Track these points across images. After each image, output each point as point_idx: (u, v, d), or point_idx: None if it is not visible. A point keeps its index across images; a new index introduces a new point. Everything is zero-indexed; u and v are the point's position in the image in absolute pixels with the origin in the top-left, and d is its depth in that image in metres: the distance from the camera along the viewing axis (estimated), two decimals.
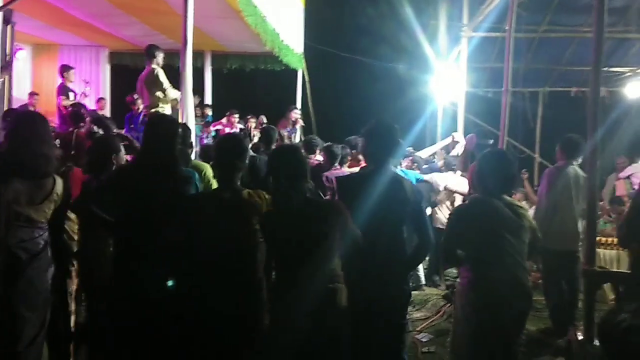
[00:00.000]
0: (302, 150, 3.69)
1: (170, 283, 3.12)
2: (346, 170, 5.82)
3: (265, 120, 10.08)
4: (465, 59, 10.09)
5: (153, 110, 6.76)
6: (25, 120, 3.39)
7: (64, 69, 9.44)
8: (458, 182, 6.76)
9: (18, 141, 3.17)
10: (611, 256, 6.69)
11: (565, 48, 12.05)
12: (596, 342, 2.92)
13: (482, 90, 12.86)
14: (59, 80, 9.52)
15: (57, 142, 5.21)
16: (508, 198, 3.44)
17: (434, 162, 7.88)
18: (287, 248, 2.88)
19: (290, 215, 2.88)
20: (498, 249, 3.31)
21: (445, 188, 6.81)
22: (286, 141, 7.28)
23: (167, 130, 3.34)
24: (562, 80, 13.28)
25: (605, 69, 11.59)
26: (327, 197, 5.54)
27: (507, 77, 6.40)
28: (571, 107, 12.14)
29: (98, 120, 5.89)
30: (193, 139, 5.34)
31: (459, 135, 8.12)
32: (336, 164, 5.82)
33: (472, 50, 10.27)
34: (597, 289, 3.76)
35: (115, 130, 5.84)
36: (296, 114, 9.78)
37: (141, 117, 7.59)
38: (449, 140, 8.06)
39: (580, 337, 4.69)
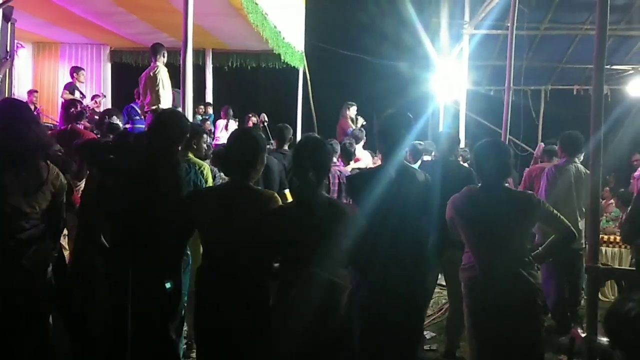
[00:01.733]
0: None
1: (168, 285, 3.09)
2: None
3: (266, 119, 10.07)
4: (466, 57, 10.08)
5: (154, 107, 6.76)
6: (4, 107, 3.31)
7: (75, 70, 9.68)
8: None
9: (1, 129, 3.07)
10: (613, 254, 6.70)
11: (567, 45, 12.01)
12: (601, 339, 2.88)
13: (484, 88, 12.84)
14: (68, 80, 9.71)
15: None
16: (513, 190, 3.43)
17: None
18: (298, 246, 2.76)
19: (308, 212, 2.76)
20: (491, 243, 3.28)
21: None
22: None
23: (177, 130, 3.29)
24: (564, 78, 13.25)
25: (608, 66, 11.52)
26: None
27: (509, 74, 6.39)
28: (574, 105, 12.09)
29: (110, 112, 5.84)
30: None
31: None
32: None
33: (474, 48, 10.25)
34: (600, 286, 3.75)
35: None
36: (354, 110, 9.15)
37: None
38: None
39: (583, 335, 4.68)
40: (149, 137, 3.37)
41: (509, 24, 6.57)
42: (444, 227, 3.36)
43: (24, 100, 9.31)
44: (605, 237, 6.86)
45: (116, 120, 5.33)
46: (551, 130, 12.97)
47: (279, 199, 2.96)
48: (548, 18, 10.96)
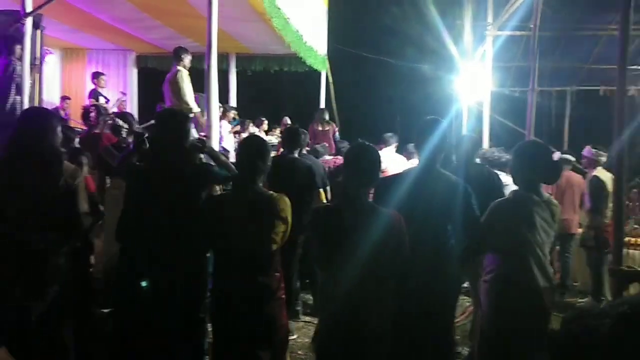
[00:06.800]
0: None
1: (144, 283, 3.13)
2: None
3: (289, 122, 10.11)
4: (490, 58, 9.99)
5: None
6: (27, 114, 3.48)
7: (95, 76, 9.96)
8: None
9: (22, 134, 3.17)
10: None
11: (593, 46, 11.84)
12: None
13: (508, 89, 12.72)
14: (92, 86, 9.91)
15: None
16: (545, 194, 3.46)
17: None
18: (337, 250, 2.81)
19: (348, 217, 2.82)
20: (530, 246, 3.33)
21: None
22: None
23: (175, 127, 3.30)
24: (590, 79, 13.03)
25: (635, 67, 11.36)
26: None
27: (532, 77, 6.33)
28: (600, 106, 11.94)
29: (122, 116, 5.94)
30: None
31: None
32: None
33: (498, 49, 10.17)
34: (624, 288, 3.69)
35: (137, 127, 5.90)
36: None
37: None
38: None
39: None
40: (152, 140, 3.43)
41: (532, 25, 6.50)
42: (475, 234, 3.35)
43: (54, 107, 9.56)
44: (633, 239, 6.77)
45: (119, 121, 5.41)
46: (577, 132, 12.83)
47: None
48: (573, 18, 10.82)
